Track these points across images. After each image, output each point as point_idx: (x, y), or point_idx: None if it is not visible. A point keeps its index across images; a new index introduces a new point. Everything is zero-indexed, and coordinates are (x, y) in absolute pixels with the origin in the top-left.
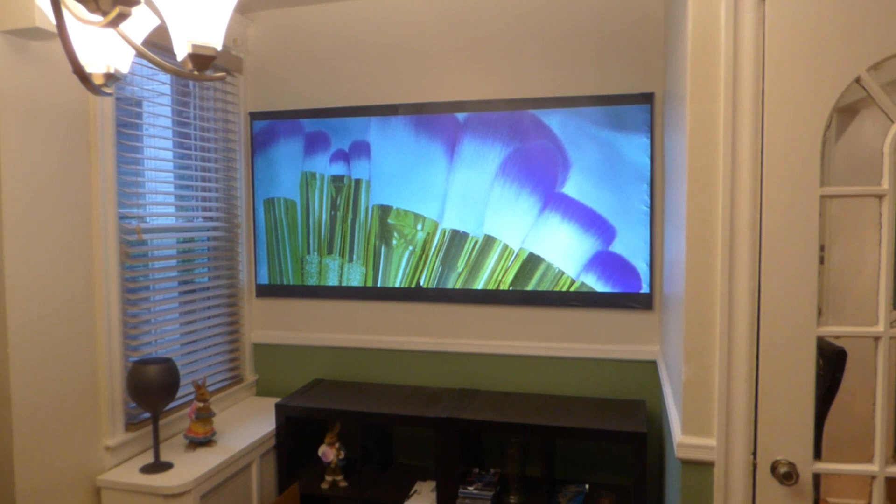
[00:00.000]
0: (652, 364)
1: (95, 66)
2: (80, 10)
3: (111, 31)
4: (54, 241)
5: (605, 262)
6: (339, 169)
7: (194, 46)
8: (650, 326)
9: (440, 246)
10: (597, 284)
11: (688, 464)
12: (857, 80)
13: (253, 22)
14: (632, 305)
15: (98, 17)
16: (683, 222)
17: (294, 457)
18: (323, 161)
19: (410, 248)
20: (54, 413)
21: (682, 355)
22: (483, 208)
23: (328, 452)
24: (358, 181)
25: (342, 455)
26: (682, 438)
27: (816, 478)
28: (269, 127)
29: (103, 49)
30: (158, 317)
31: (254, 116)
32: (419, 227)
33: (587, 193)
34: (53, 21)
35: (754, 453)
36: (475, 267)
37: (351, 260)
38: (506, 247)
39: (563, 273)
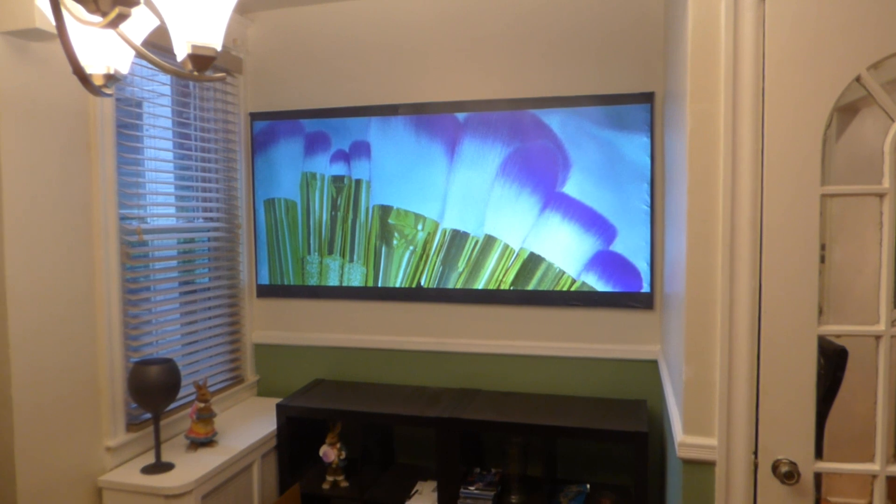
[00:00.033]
0: (653, 363)
1: (95, 66)
2: (80, 10)
3: (111, 31)
4: (55, 242)
5: (605, 261)
6: (339, 169)
7: (194, 47)
8: (651, 326)
9: (441, 246)
10: (597, 284)
11: (689, 463)
12: (858, 79)
13: (253, 22)
14: (632, 305)
15: (98, 18)
16: (684, 222)
17: (295, 457)
18: (323, 161)
19: (411, 248)
20: (55, 413)
21: (683, 355)
22: (483, 208)
23: (329, 452)
24: (358, 181)
25: (343, 455)
26: (684, 438)
27: (818, 477)
28: (269, 127)
29: (103, 50)
30: (159, 317)
31: (254, 117)
32: (420, 227)
33: (588, 193)
34: (53, 22)
35: (755, 453)
36: (476, 267)
37: (351, 260)
38: (506, 246)
39: (563, 273)
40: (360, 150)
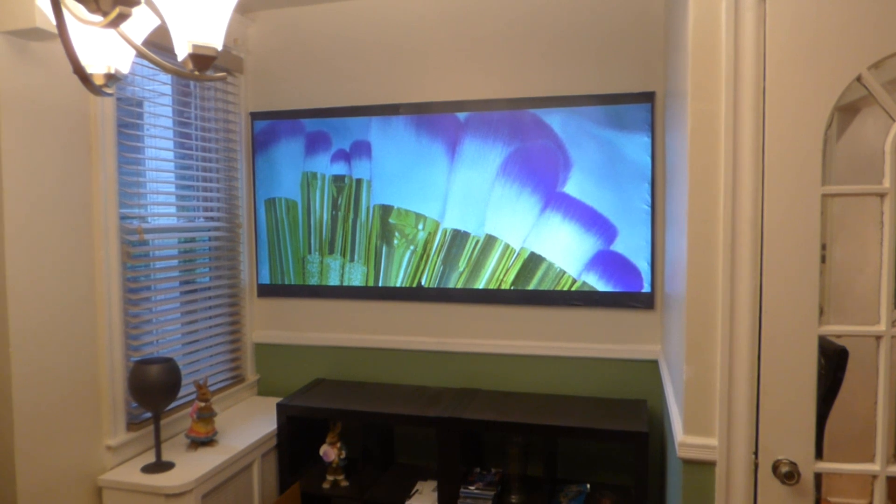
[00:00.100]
0: (653, 363)
1: (96, 66)
2: (81, 10)
3: (112, 31)
4: (56, 242)
5: (606, 261)
6: (340, 169)
7: (195, 46)
8: (651, 326)
9: (441, 245)
10: (598, 284)
11: (689, 463)
12: (858, 79)
13: (253, 22)
14: (633, 305)
15: (98, 18)
16: (685, 221)
17: (295, 456)
18: (324, 161)
19: (412, 247)
20: (56, 413)
21: (684, 354)
22: (484, 208)
23: (329, 452)
24: (359, 181)
25: (343, 455)
26: (684, 438)
27: (818, 477)
28: (269, 127)
29: (104, 49)
30: (160, 317)
31: (255, 116)
32: (420, 226)
33: (588, 193)
34: (54, 21)
35: (756, 453)
36: (476, 266)
37: (352, 260)
38: (507, 246)
39: (564, 272)
40: (361, 149)
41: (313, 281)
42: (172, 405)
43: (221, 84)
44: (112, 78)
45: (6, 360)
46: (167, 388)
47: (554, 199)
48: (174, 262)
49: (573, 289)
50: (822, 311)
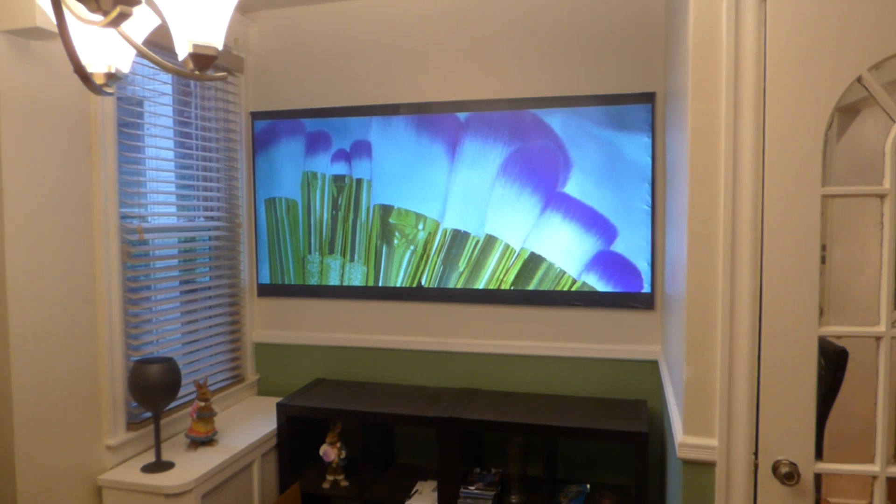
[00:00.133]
0: (653, 364)
1: (96, 65)
2: (81, 9)
3: (112, 30)
4: (56, 241)
5: (606, 261)
6: (340, 168)
7: (195, 46)
8: (651, 326)
9: (441, 245)
10: (598, 284)
11: (689, 464)
12: (859, 80)
13: (254, 22)
14: (633, 305)
15: (99, 17)
16: (685, 222)
17: (295, 456)
18: (324, 161)
19: (412, 247)
20: (56, 412)
21: (684, 355)
22: (484, 208)
23: (329, 452)
24: (359, 181)
25: (343, 455)
26: (684, 438)
27: (818, 478)
28: (270, 127)
29: (104, 49)
30: (160, 316)
31: (255, 116)
32: (420, 226)
33: (588, 193)
34: (54, 21)
35: (756, 453)
36: (476, 266)
37: (352, 259)
38: (507, 246)
39: (564, 273)
40: (361, 149)
41: (313, 281)
42: (172, 405)
43: (222, 84)
44: (112, 77)
45: (6, 360)
46: (167, 387)
47: (554, 200)
48: (174, 261)
49: (573, 289)
50: (822, 312)
